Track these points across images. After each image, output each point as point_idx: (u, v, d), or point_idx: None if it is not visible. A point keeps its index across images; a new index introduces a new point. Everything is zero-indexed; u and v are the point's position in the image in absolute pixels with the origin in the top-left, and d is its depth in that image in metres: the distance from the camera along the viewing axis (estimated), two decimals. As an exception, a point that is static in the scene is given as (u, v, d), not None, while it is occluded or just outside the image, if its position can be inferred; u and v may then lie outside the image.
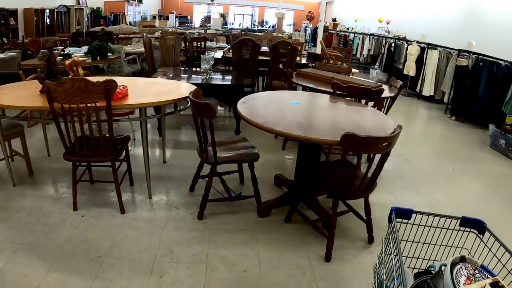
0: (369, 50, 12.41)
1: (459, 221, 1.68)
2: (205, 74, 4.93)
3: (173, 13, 21.38)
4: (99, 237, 2.88)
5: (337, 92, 3.82)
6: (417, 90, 9.23)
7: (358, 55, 13.38)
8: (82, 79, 2.74)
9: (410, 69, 9.28)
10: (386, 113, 4.30)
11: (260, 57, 6.21)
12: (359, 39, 13.34)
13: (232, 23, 27.44)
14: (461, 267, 1.43)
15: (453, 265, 1.42)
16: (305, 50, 9.64)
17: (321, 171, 2.99)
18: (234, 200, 3.32)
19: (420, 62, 9.16)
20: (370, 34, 12.73)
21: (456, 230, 1.71)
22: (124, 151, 3.41)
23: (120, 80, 3.60)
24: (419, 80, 9.15)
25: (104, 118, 2.88)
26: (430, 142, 6.37)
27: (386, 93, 4.30)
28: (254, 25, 27.78)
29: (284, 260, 2.78)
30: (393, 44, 10.64)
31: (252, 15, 29.56)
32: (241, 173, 3.82)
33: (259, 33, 11.72)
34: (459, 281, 1.36)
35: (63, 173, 3.86)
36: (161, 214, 3.25)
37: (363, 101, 4.08)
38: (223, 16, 24.67)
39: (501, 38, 8.15)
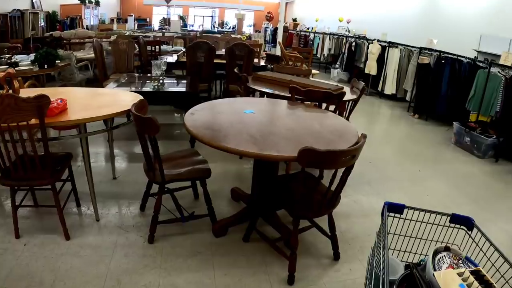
0: (329, 49, 12.32)
1: (449, 218, 1.72)
2: (156, 81, 4.62)
3: (132, 15, 20.77)
4: (42, 268, 2.57)
5: (296, 97, 3.60)
6: (379, 88, 9.17)
7: (318, 55, 13.28)
8: (11, 96, 2.43)
9: (371, 68, 9.22)
10: (348, 117, 4.13)
11: (216, 61, 5.94)
12: (319, 38, 13.22)
13: (192, 25, 26.92)
14: (444, 256, 1.50)
15: (437, 252, 1.50)
16: (264, 51, 9.45)
17: (279, 188, 2.76)
18: (186, 221, 3.05)
19: (381, 61, 9.11)
20: (330, 34, 12.65)
21: (446, 226, 1.75)
22: (68, 170, 3.10)
23: (59, 92, 3.29)
24: (380, 78, 9.09)
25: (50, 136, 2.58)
26: (394, 142, 6.28)
27: (348, 95, 4.12)
28: (214, 26, 27.37)
29: (243, 286, 2.54)
30: (353, 43, 10.58)
31: (212, 17, 29.16)
32: (195, 188, 3.54)
33: (218, 35, 11.39)
34: (441, 267, 1.42)
35: (7, 195, 3.48)
36: (109, 238, 2.95)
37: (324, 104, 3.88)
38: (182, 18, 24.18)
39: (461, 34, 8.22)
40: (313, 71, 6.41)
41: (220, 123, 2.76)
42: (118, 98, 3.47)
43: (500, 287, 1.41)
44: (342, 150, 2.24)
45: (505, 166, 5.40)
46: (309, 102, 3.72)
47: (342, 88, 4.05)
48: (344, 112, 4.34)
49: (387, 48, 8.93)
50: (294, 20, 22.61)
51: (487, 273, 1.34)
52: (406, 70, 8.47)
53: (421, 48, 8.03)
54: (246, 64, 5.73)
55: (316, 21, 18.59)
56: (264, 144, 2.38)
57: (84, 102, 3.29)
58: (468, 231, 1.68)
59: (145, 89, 4.54)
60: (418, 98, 7.73)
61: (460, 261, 1.50)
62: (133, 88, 4.39)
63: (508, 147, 5.68)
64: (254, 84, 4.24)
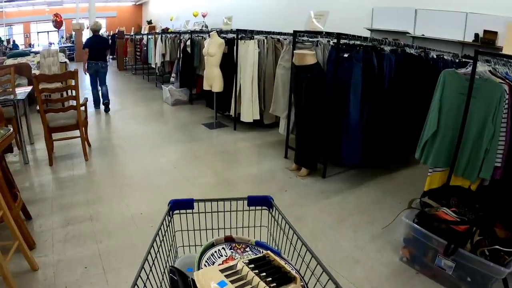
0: (163, 55, 8.01)
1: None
2: None
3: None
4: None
5: None
6: (231, 112, 5.18)
7: (153, 65, 8.83)
8: None
9: (213, 80, 5.02)
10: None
11: None
12: (152, 42, 8.74)
13: (32, 45, 22.17)
14: (223, 248, 1.30)
15: (212, 246, 1.27)
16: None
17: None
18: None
19: (231, 66, 5.01)
20: (162, 33, 8.40)
21: (247, 210, 1.44)
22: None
23: None
24: (232, 96, 5.03)
25: None
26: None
27: None
28: (60, 42, 23.07)
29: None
30: (188, 42, 6.38)
31: (58, 31, 24.56)
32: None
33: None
34: (214, 262, 1.21)
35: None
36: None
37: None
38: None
39: (349, 10, 6.34)
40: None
41: None
42: None
43: (300, 263, 1.17)
44: None
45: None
46: None
47: None
48: None
49: (236, 41, 4.91)
50: (149, 22, 18.73)
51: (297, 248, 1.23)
52: (274, 77, 4.50)
53: (296, 33, 3.99)
54: None
55: (171, 20, 15.34)
56: None
57: None
58: (271, 211, 1.42)
59: None
60: (301, 135, 3.77)
61: (248, 248, 1.29)
62: None
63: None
64: None
